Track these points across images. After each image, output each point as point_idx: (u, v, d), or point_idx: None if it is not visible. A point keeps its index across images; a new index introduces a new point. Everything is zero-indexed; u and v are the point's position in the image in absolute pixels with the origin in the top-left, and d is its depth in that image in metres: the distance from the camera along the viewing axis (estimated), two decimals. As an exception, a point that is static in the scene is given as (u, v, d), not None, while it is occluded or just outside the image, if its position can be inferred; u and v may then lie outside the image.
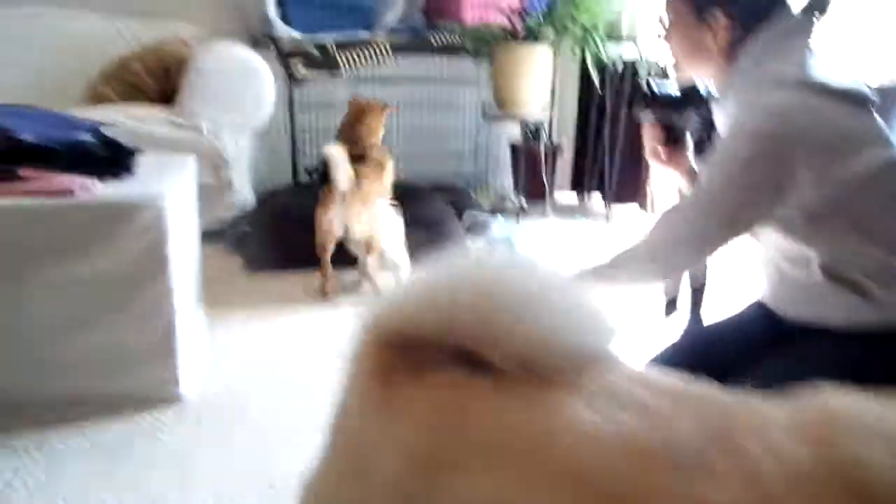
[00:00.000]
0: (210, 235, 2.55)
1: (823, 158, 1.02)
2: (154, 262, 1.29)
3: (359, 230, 2.07)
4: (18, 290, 1.24)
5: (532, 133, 3.33)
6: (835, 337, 1.05)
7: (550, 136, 3.44)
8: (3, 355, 1.26)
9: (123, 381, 1.34)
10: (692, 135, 1.41)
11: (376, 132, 2.39)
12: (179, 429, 1.31)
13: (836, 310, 1.06)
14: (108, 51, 2.91)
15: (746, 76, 1.12)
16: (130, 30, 3.03)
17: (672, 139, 1.39)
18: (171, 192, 1.38)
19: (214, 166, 2.55)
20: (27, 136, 1.47)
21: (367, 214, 2.09)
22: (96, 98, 2.74)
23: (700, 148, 1.40)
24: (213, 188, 2.57)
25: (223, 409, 1.39)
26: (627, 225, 3.19)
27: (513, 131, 3.39)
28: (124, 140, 1.78)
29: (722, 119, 1.20)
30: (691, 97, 1.37)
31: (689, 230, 1.11)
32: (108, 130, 1.66)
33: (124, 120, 2.38)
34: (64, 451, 1.22)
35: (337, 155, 2.03)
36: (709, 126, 1.39)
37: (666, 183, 1.42)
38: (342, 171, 2.02)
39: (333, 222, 2.04)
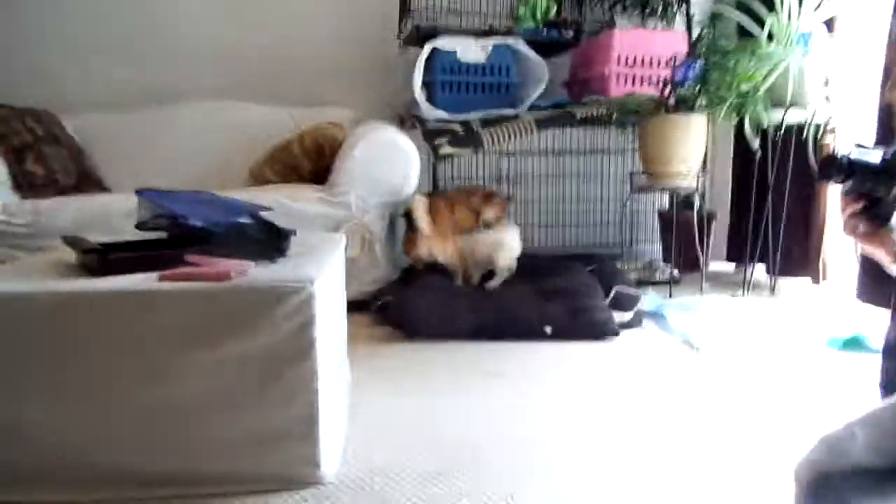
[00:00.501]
0: (355, 306, 2.63)
1: None
2: (301, 343, 1.31)
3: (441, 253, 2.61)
4: (171, 371, 1.30)
5: (684, 201, 3.16)
6: None
7: (703, 203, 3.25)
8: (153, 433, 1.32)
9: (266, 462, 1.35)
10: None
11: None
12: (319, 512, 1.29)
13: None
14: (272, 137, 3.18)
15: None
16: (293, 117, 3.30)
17: (874, 213, 1.20)
18: (321, 274, 1.41)
19: (362, 240, 2.64)
20: (195, 221, 1.59)
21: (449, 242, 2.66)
22: (258, 179, 2.98)
23: None
24: (359, 261, 2.67)
25: (363, 492, 1.36)
26: (795, 299, 2.88)
27: (662, 200, 3.25)
28: (280, 221, 1.90)
29: None
30: None
31: None
32: (267, 214, 1.77)
33: (280, 198, 2.55)
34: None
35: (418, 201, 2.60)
36: None
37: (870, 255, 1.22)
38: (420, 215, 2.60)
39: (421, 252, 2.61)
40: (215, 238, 1.55)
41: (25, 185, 2.75)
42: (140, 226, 1.65)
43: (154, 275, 1.35)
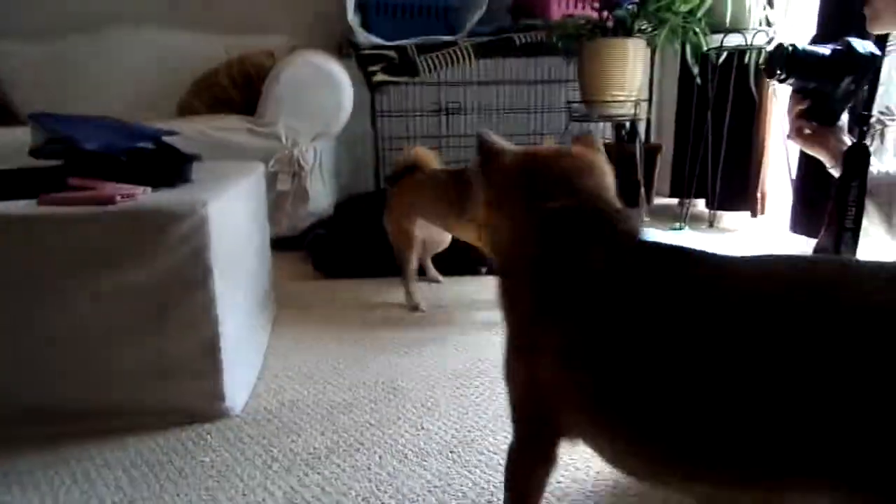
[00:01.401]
0: (288, 242, 2.55)
1: None
2: (196, 270, 1.24)
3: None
4: (59, 300, 1.22)
5: (627, 133, 3.11)
6: None
7: (648, 136, 3.21)
8: (45, 365, 1.25)
9: (166, 393, 1.29)
10: (846, 108, 1.15)
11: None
12: (220, 446, 1.24)
13: None
14: (202, 66, 3.00)
15: None
16: (223, 45, 3.12)
17: (820, 112, 1.15)
18: (220, 199, 1.32)
19: (292, 174, 2.54)
20: (90, 145, 1.48)
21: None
22: (185, 111, 2.82)
23: (861, 123, 1.14)
24: (291, 195, 2.57)
25: (270, 426, 1.32)
26: (734, 233, 2.90)
27: (605, 132, 3.19)
28: (205, 153, 1.79)
29: None
30: (848, 60, 1.10)
31: None
32: (173, 139, 1.66)
33: (204, 129, 2.42)
34: (101, 466, 1.18)
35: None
36: (869, 98, 1.15)
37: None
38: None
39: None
40: (112, 163, 1.45)
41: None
42: (33, 152, 1.53)
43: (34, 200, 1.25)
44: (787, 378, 0.56)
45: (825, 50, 1.11)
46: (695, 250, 0.71)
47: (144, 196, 1.30)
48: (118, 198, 1.23)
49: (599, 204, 0.80)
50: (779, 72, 1.13)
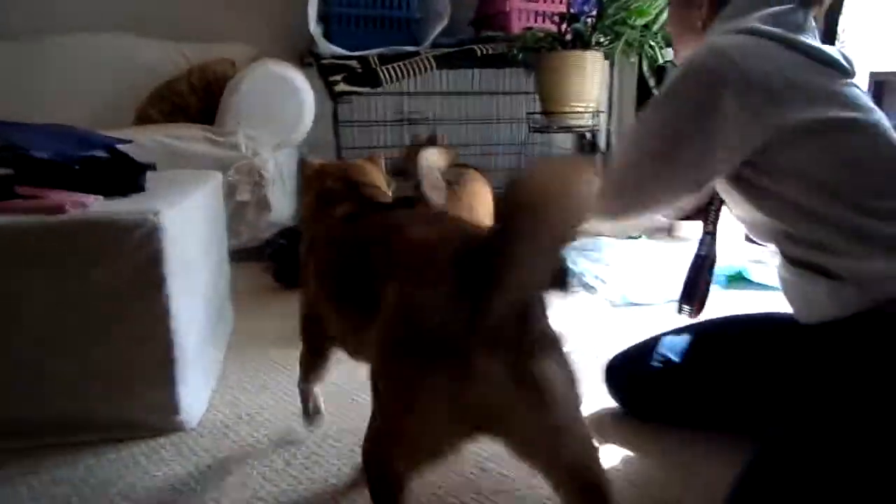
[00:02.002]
0: (249, 253, 2.52)
1: (760, 98, 0.98)
2: (148, 281, 1.21)
3: None
4: (7, 309, 1.19)
5: (587, 144, 3.16)
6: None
7: (608, 146, 3.26)
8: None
9: (120, 406, 1.26)
10: None
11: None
12: (174, 460, 1.22)
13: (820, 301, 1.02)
14: (162, 74, 2.95)
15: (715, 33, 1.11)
16: (186, 54, 3.08)
17: None
18: (174, 209, 1.30)
19: (253, 184, 2.51)
20: (40, 153, 1.44)
21: None
22: (142, 119, 2.77)
23: None
24: (252, 205, 2.55)
25: (226, 439, 1.30)
26: (691, 242, 2.95)
27: (566, 143, 3.23)
28: (162, 162, 1.76)
29: None
30: None
31: (630, 174, 1.10)
32: (126, 147, 1.63)
33: (162, 138, 2.38)
34: (48, 483, 1.15)
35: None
36: None
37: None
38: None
39: None
40: (63, 171, 1.42)
41: None
42: (-19, 160, 1.49)
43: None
44: (351, 271, 0.95)
45: None
46: (399, 211, 1.06)
47: (96, 205, 1.27)
48: (68, 206, 1.20)
49: (358, 185, 1.20)
50: None
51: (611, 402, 1.38)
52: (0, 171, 1.41)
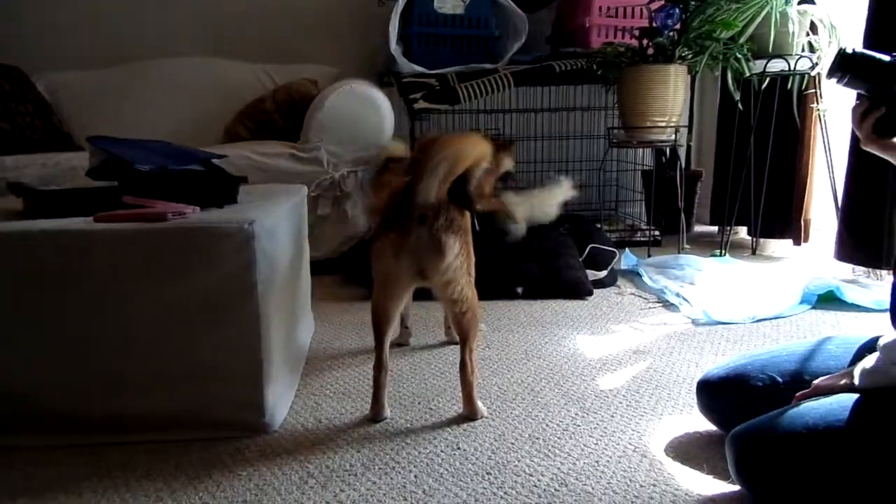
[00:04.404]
0: (328, 265, 2.59)
1: None
2: (241, 286, 1.27)
3: None
4: (111, 311, 1.27)
5: (667, 160, 3.09)
6: None
7: (689, 162, 3.18)
8: (94, 375, 1.29)
9: (209, 406, 1.32)
10: None
11: None
12: (258, 460, 1.26)
13: None
14: (250, 94, 3.11)
15: None
16: (271, 74, 3.23)
17: (882, 124, 1.14)
18: (265, 219, 1.36)
19: (333, 198, 2.59)
20: (143, 166, 1.54)
21: None
22: (230, 137, 2.91)
23: None
24: (332, 219, 2.62)
25: (307, 441, 1.33)
26: (778, 261, 2.83)
27: (646, 158, 3.18)
28: (237, 171, 1.85)
29: None
30: None
31: None
32: (221, 161, 1.72)
33: (248, 154, 2.49)
34: (142, 477, 1.21)
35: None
36: None
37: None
38: None
39: None
40: (164, 183, 1.51)
41: (-9, 141, 2.69)
42: (90, 173, 1.60)
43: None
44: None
45: (884, 55, 1.12)
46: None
47: (194, 214, 1.34)
48: (169, 215, 1.27)
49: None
50: (833, 71, 1.14)
51: (703, 424, 1.34)
52: (107, 183, 1.52)
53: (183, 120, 3.09)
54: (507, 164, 1.86)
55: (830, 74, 1.16)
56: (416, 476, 1.19)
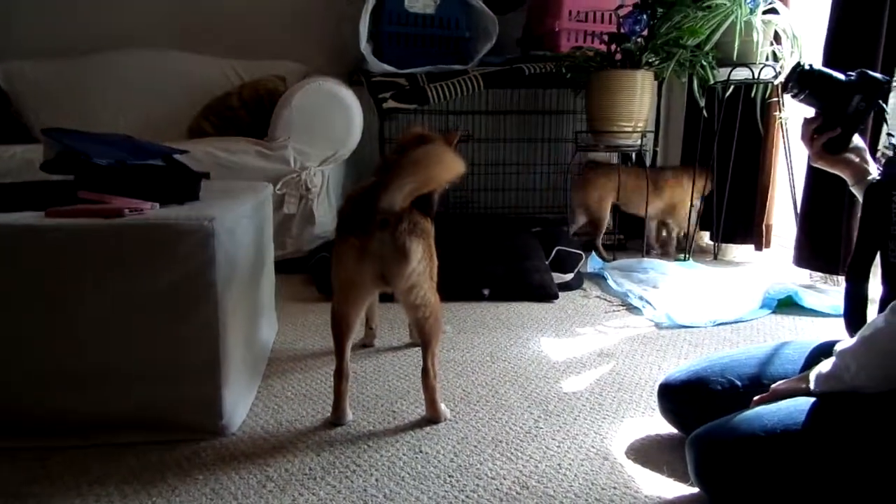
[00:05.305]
0: (292, 264, 2.56)
1: None
2: (200, 286, 1.24)
3: None
4: (63, 309, 1.23)
5: (633, 164, 3.12)
6: None
7: (655, 166, 3.22)
8: (44, 374, 1.25)
9: (165, 407, 1.29)
10: (856, 130, 1.17)
11: None
12: (215, 464, 1.23)
13: None
14: (214, 90, 3.05)
15: None
16: (238, 70, 3.17)
17: (833, 140, 1.17)
18: (227, 217, 1.33)
19: (300, 197, 2.55)
20: (101, 160, 1.50)
21: None
22: (195, 133, 2.85)
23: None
24: (298, 218, 2.59)
25: (266, 444, 1.31)
26: (738, 267, 2.88)
27: (612, 162, 3.20)
28: (200, 167, 1.80)
29: None
30: (860, 81, 1.14)
31: None
32: (184, 158, 1.68)
33: (213, 150, 2.44)
34: (93, 482, 1.17)
35: None
36: (878, 118, 1.18)
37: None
38: None
39: None
40: (122, 178, 1.47)
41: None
42: (45, 166, 1.55)
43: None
44: None
45: (840, 74, 1.14)
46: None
47: (152, 210, 1.31)
48: (126, 211, 1.24)
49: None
50: (791, 86, 1.16)
51: (664, 427, 1.35)
52: (63, 177, 1.48)
53: (146, 114, 3.03)
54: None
55: (787, 89, 1.18)
56: (377, 480, 1.18)
